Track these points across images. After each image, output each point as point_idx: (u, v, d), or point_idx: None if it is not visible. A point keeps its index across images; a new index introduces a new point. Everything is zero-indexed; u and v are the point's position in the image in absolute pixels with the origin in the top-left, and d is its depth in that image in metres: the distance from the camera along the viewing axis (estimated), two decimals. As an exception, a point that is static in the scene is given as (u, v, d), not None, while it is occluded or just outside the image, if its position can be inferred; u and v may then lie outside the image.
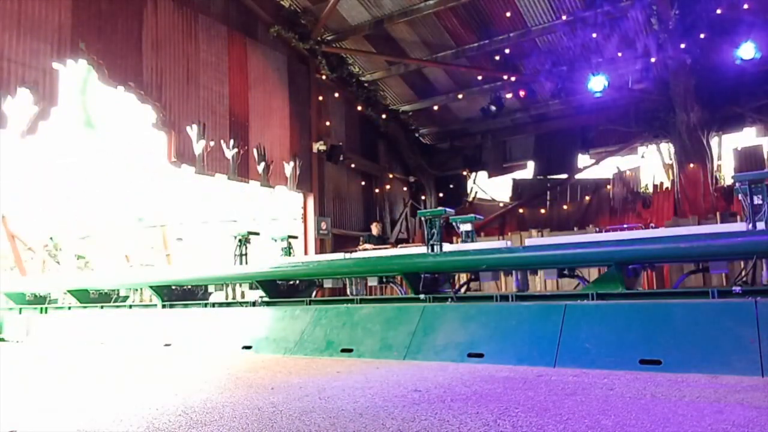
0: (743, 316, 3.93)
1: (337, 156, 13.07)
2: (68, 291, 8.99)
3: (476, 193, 16.56)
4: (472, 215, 6.31)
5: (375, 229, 12.16)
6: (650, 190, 13.44)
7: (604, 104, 12.55)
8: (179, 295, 8.03)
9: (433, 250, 5.80)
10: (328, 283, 7.03)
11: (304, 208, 12.84)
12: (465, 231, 6.14)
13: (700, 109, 11.56)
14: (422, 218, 6.10)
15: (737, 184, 4.50)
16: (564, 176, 14.66)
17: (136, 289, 8.87)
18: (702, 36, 10.39)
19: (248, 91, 11.37)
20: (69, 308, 8.96)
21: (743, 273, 4.64)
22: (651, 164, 14.02)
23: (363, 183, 14.65)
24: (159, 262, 15.71)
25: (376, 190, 15.05)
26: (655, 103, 12.38)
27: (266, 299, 6.98)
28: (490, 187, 16.59)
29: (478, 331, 4.89)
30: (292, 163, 12.02)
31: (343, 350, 5.36)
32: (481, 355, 4.63)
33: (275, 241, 7.75)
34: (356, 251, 8.69)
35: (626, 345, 4.15)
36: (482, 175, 16.29)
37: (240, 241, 7.34)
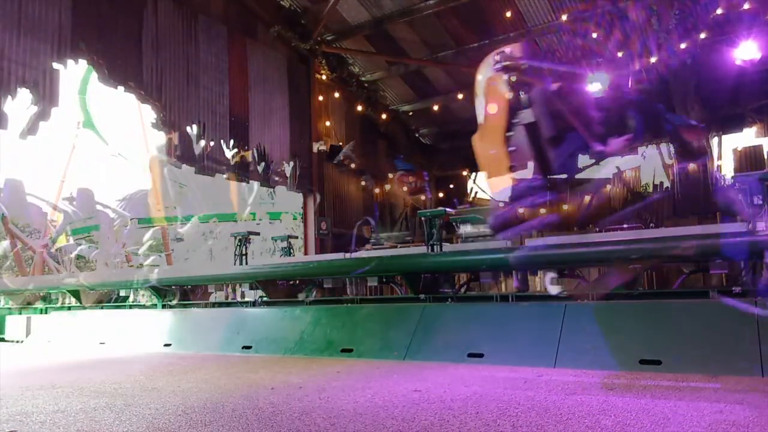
0: (743, 316, 3.93)
1: (337, 156, 13.07)
2: (68, 291, 8.99)
3: (476, 193, 16.55)
4: (473, 215, 6.31)
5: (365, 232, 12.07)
6: (650, 190, 13.43)
7: (604, 104, 12.53)
8: (179, 295, 8.03)
9: (433, 250, 5.80)
10: (328, 283, 7.03)
11: (305, 207, 12.84)
12: (465, 231, 6.14)
13: (700, 109, 11.56)
14: (422, 218, 6.10)
15: (737, 185, 4.50)
16: (564, 176, 14.65)
17: (136, 289, 8.86)
18: (702, 36, 10.38)
19: (248, 91, 11.37)
20: (69, 308, 8.97)
21: (743, 273, 4.64)
22: (651, 164, 14.02)
23: (363, 183, 14.64)
24: (159, 262, 15.71)
25: (376, 190, 15.05)
26: (655, 103, 12.36)
27: (266, 299, 6.98)
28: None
29: (478, 331, 4.89)
30: (292, 163, 12.02)
31: (343, 350, 5.36)
32: (481, 355, 4.63)
33: (275, 241, 7.75)
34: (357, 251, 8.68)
35: (626, 345, 4.15)
36: (482, 175, 16.27)
37: (240, 240, 7.34)
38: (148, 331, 7.14)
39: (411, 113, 15.37)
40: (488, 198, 16.37)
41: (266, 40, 11.90)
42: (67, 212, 6.03)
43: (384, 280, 6.51)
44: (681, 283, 5.68)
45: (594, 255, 5.00)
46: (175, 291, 7.84)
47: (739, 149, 12.59)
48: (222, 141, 10.53)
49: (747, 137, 12.71)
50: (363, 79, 14.05)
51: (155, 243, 15.95)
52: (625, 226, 6.63)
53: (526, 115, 3.01)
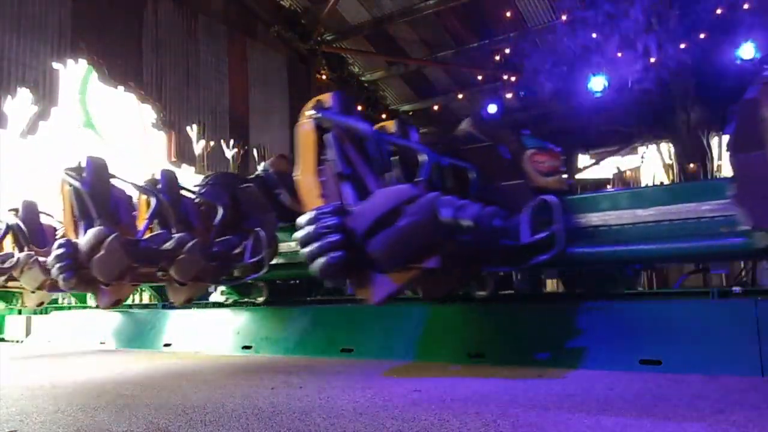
0: (743, 316, 3.93)
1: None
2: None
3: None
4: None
5: None
6: (650, 190, 13.42)
7: (604, 104, 12.54)
8: (267, 293, 7.87)
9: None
10: (328, 283, 6.99)
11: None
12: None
13: (700, 109, 11.56)
14: None
15: None
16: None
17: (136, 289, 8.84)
18: (702, 36, 10.38)
19: (248, 91, 11.38)
20: (69, 308, 8.96)
21: (743, 273, 4.64)
22: (651, 164, 14.02)
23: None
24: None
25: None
26: (655, 103, 12.37)
27: (266, 299, 6.98)
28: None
29: (478, 331, 4.89)
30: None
31: (343, 350, 5.36)
32: (481, 355, 4.63)
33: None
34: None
35: (626, 345, 4.14)
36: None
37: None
38: (148, 331, 7.14)
39: (411, 113, 15.39)
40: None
41: (266, 40, 11.91)
42: (157, 197, 5.64)
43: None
44: (681, 283, 5.68)
45: None
46: (262, 288, 7.32)
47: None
48: (222, 141, 10.53)
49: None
50: (363, 79, 14.06)
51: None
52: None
53: None
